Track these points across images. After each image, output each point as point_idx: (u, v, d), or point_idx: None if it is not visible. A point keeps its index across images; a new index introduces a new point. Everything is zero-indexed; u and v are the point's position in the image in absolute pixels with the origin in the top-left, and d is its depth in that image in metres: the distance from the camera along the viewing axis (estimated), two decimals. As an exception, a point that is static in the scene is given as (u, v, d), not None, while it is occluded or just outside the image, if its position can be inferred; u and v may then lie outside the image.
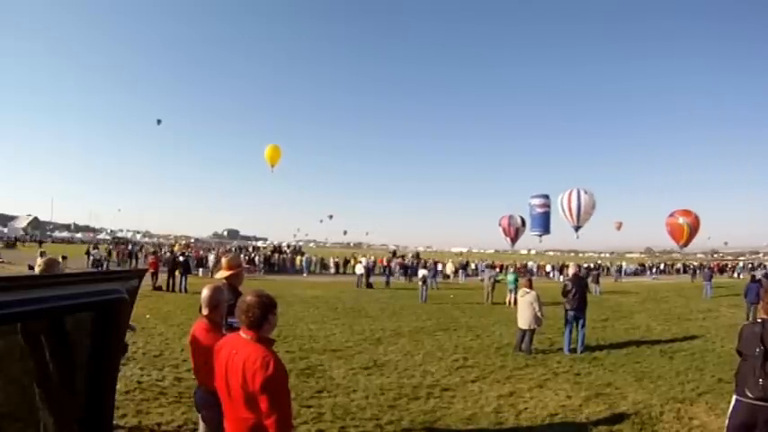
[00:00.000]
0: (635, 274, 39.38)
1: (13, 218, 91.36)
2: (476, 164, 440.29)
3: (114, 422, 2.68)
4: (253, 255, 29.96)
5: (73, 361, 1.71)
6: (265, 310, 1.91)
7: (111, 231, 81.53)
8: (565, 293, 7.97)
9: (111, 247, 30.49)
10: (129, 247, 33.21)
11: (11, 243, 43.42)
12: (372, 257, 31.16)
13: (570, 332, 7.69)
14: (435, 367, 6.41)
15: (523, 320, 7.50)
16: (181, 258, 16.79)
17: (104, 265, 22.39)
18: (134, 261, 25.53)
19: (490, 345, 8.11)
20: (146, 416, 4.13)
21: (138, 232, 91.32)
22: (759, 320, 3.13)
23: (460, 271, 29.11)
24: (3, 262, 22.02)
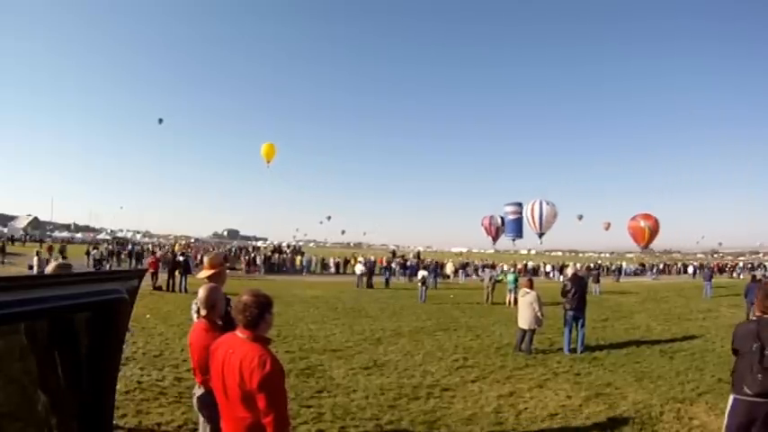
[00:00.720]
0: (635, 274, 39.39)
1: (13, 218, 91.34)
2: (476, 164, 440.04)
3: (114, 422, 2.68)
4: (253, 255, 29.92)
5: (73, 361, 1.71)
6: (262, 310, 1.92)
7: (111, 231, 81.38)
8: (564, 293, 7.98)
9: (110, 246, 30.43)
10: (130, 247, 33.17)
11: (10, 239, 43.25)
12: (372, 257, 31.18)
13: (570, 332, 7.70)
14: (435, 367, 6.41)
15: (524, 320, 7.51)
16: (181, 258, 16.80)
17: (108, 265, 22.42)
18: (134, 261, 25.49)
19: (490, 345, 8.11)
20: (146, 416, 4.13)
21: (138, 232, 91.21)
22: (754, 318, 3.13)
23: (460, 271, 29.15)
24: (3, 262, 22.00)
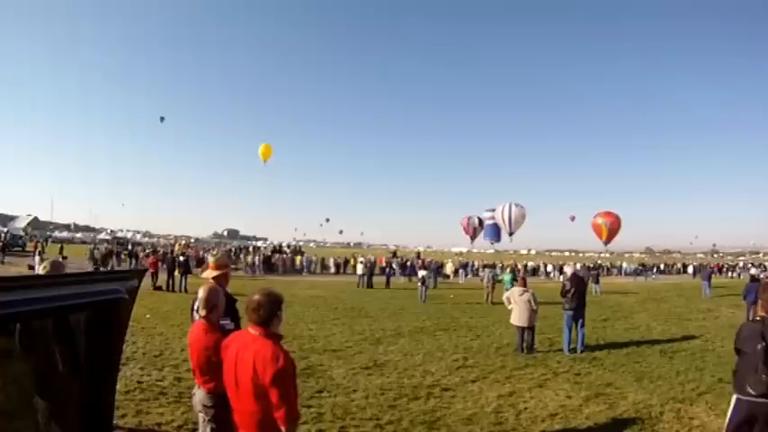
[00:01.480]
0: (635, 273, 39.36)
1: (13, 218, 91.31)
2: (476, 164, 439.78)
3: (114, 422, 2.69)
4: (254, 256, 29.90)
5: (73, 361, 1.71)
6: (274, 307, 2.02)
7: (112, 231, 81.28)
8: (564, 293, 7.96)
9: (110, 247, 30.39)
10: (130, 247, 33.12)
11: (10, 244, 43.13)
12: (372, 257, 31.17)
13: (570, 332, 7.69)
14: (435, 367, 6.41)
15: (522, 319, 7.51)
16: (181, 258, 16.81)
17: (109, 265, 22.42)
18: (132, 261, 25.45)
19: (490, 345, 8.11)
20: (146, 416, 4.13)
21: (139, 232, 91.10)
22: (759, 318, 3.12)
23: (460, 271, 29.15)
24: (3, 262, 22.00)
